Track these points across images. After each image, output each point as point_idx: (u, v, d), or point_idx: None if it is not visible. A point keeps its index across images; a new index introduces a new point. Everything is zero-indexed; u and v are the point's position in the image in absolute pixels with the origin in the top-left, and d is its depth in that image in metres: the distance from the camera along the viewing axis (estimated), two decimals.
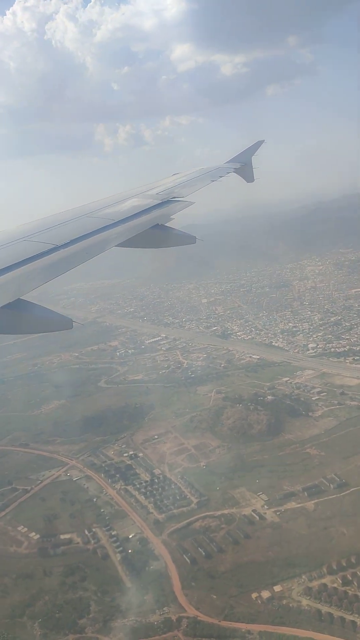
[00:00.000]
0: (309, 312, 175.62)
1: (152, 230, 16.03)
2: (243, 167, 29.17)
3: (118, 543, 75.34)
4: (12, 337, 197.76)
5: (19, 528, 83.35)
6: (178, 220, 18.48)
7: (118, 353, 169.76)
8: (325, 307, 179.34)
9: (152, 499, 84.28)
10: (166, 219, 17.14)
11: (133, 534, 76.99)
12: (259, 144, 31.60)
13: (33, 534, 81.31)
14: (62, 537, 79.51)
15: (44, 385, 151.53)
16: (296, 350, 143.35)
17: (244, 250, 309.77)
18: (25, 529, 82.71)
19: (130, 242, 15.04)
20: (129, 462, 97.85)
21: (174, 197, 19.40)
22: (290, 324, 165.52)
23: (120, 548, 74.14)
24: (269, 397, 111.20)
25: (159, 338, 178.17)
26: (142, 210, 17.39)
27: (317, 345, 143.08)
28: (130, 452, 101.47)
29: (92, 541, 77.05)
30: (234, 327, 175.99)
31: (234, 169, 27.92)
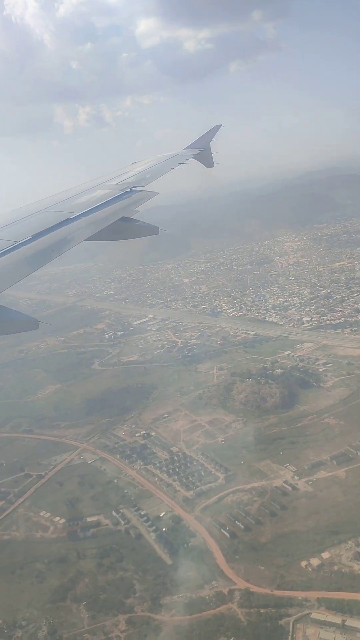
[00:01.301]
0: (297, 287, 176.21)
1: (117, 222, 15.93)
2: (202, 152, 29.05)
3: (150, 522, 74.17)
4: None
5: (42, 513, 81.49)
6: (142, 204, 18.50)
7: (106, 336, 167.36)
8: (312, 281, 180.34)
9: (176, 477, 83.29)
10: (131, 211, 17.04)
11: (164, 513, 75.96)
12: (216, 128, 31.47)
13: (57, 518, 79.58)
14: (88, 519, 77.99)
15: (35, 371, 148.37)
16: (291, 325, 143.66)
17: (217, 229, 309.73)
18: (48, 514, 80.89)
19: (97, 236, 14.97)
20: (142, 442, 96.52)
21: (135, 187, 19.16)
22: (280, 299, 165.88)
23: (153, 527, 73.00)
24: (277, 370, 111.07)
25: (147, 319, 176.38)
26: (105, 202, 17.20)
27: (312, 318, 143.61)
28: (142, 432, 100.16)
29: (122, 522, 75.71)
30: (223, 305, 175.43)
31: (193, 155, 27.77)
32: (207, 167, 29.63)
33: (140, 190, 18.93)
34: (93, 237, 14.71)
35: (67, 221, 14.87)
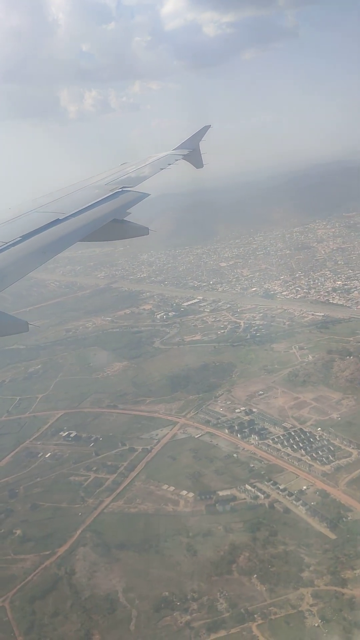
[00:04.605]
0: (351, 271, 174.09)
1: (108, 223, 15.83)
2: (191, 153, 29.00)
3: (293, 496, 71.08)
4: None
5: (164, 487, 78.16)
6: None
7: (158, 316, 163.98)
8: None
9: (304, 452, 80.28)
10: (123, 214, 16.99)
11: (305, 487, 72.97)
12: (205, 129, 31.47)
13: (184, 492, 76.24)
14: (220, 493, 74.62)
15: (93, 349, 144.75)
16: (359, 307, 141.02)
17: (240, 216, 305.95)
18: (172, 488, 77.57)
19: (89, 238, 14.91)
20: (246, 418, 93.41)
21: (125, 187, 19.20)
22: (338, 282, 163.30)
23: (300, 501, 69.96)
24: None
25: (196, 300, 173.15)
26: (95, 202, 17.01)
27: None
28: (242, 408, 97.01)
29: (261, 496, 72.48)
30: (275, 288, 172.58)
31: (182, 155, 27.75)
32: (197, 167, 29.44)
33: (130, 191, 18.87)
34: (85, 239, 14.65)
35: (57, 222, 14.60)
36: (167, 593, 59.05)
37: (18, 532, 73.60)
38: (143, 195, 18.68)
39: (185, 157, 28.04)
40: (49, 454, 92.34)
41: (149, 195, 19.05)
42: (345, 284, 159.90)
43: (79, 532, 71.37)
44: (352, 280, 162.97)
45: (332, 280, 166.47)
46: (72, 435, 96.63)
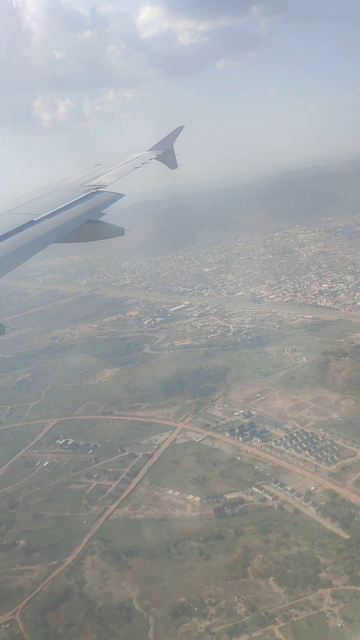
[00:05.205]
0: (335, 274, 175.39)
1: (83, 224, 15.87)
2: (165, 154, 28.90)
3: (302, 497, 70.67)
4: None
5: (169, 492, 77.25)
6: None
7: (145, 322, 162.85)
8: (349, 268, 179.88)
9: (308, 452, 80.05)
10: (98, 214, 16.99)
11: (313, 487, 72.65)
12: (179, 129, 31.59)
13: (190, 496, 75.36)
14: (227, 497, 73.86)
15: (82, 357, 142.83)
16: (347, 309, 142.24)
17: (219, 222, 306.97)
18: (178, 493, 76.68)
19: (64, 239, 14.95)
20: (246, 420, 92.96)
21: (99, 188, 19.24)
22: (324, 285, 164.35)
23: (309, 502, 69.55)
24: None
25: (183, 306, 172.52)
26: (70, 204, 16.97)
27: None
28: (240, 411, 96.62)
29: (269, 498, 71.92)
30: (262, 292, 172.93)
31: (156, 156, 27.75)
32: (171, 168, 29.18)
33: (104, 191, 18.77)
34: (59, 240, 14.53)
35: (31, 223, 14.47)
36: (183, 599, 58.01)
37: (22, 542, 71.95)
38: (117, 196, 18.47)
39: (160, 158, 27.82)
40: (46, 462, 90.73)
41: (123, 195, 18.84)
42: (331, 287, 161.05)
43: (85, 540, 70.07)
44: (338, 282, 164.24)
45: (317, 284, 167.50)
46: (69, 443, 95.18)
